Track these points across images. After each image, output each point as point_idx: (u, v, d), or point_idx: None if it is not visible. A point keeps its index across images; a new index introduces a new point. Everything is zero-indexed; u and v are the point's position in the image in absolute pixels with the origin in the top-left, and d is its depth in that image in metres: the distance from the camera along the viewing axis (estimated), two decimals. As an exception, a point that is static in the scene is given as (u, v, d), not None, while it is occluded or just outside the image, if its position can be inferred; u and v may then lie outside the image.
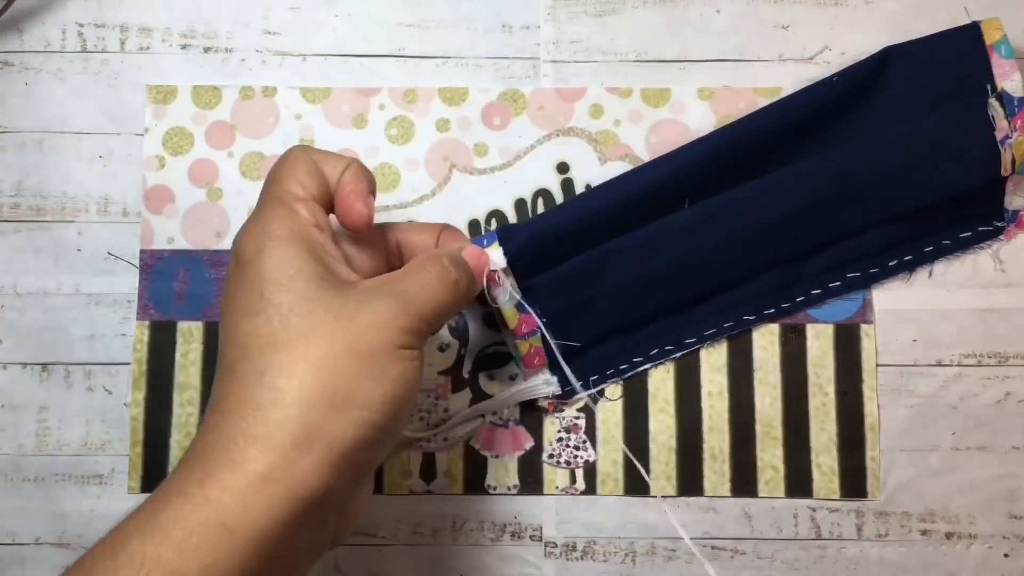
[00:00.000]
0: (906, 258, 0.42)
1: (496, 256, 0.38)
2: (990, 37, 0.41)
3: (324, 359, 0.30)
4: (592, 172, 0.43)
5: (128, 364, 0.42)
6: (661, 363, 0.42)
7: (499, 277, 0.38)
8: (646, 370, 0.42)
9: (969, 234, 0.42)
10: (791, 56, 0.44)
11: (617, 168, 0.43)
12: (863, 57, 0.43)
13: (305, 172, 0.33)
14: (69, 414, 0.42)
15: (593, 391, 0.42)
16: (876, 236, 0.41)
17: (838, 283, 0.42)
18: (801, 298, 0.42)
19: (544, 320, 0.40)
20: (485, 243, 0.39)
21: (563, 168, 0.43)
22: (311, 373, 0.29)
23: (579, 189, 0.43)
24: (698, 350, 0.42)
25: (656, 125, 0.43)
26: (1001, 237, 0.42)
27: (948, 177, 0.40)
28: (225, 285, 0.32)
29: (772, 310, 0.42)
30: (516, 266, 0.39)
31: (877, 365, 0.42)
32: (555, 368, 0.41)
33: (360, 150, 0.43)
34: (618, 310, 0.41)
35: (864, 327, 0.42)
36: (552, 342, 0.40)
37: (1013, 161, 0.40)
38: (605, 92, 0.44)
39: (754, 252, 0.41)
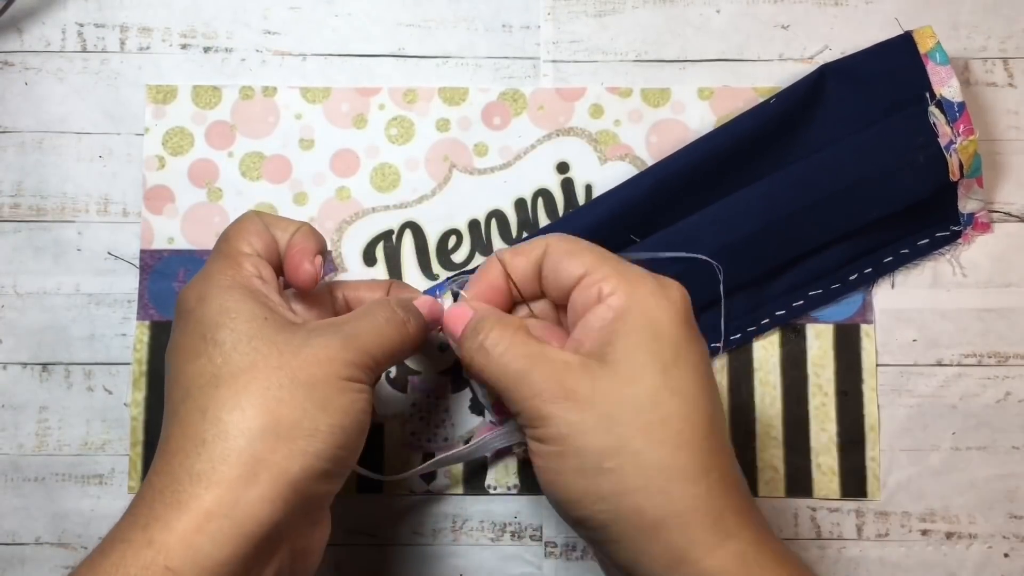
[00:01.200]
0: (866, 271, 0.42)
1: (451, 303, 0.38)
2: (923, 46, 0.41)
3: (267, 391, 0.30)
4: (592, 172, 0.43)
5: (128, 364, 0.42)
6: None
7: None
8: None
9: (927, 241, 0.42)
10: (791, 56, 0.44)
11: (617, 168, 0.43)
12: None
13: (254, 232, 0.34)
14: (69, 414, 0.42)
15: None
16: (835, 252, 0.42)
17: (801, 302, 0.42)
18: (766, 320, 0.42)
19: None
20: (438, 293, 0.39)
21: (563, 168, 0.43)
22: (255, 405, 0.29)
23: (579, 189, 0.43)
24: None
25: (656, 125, 0.43)
26: (959, 241, 0.42)
27: (898, 187, 0.40)
28: (170, 338, 0.32)
29: (739, 335, 0.42)
30: None
31: (877, 365, 0.42)
32: None
33: (360, 150, 0.43)
34: None
35: (864, 327, 0.42)
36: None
37: (961, 166, 0.40)
38: (605, 92, 0.44)
39: (713, 278, 0.40)
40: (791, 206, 0.40)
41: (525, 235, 0.43)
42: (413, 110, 0.44)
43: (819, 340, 0.42)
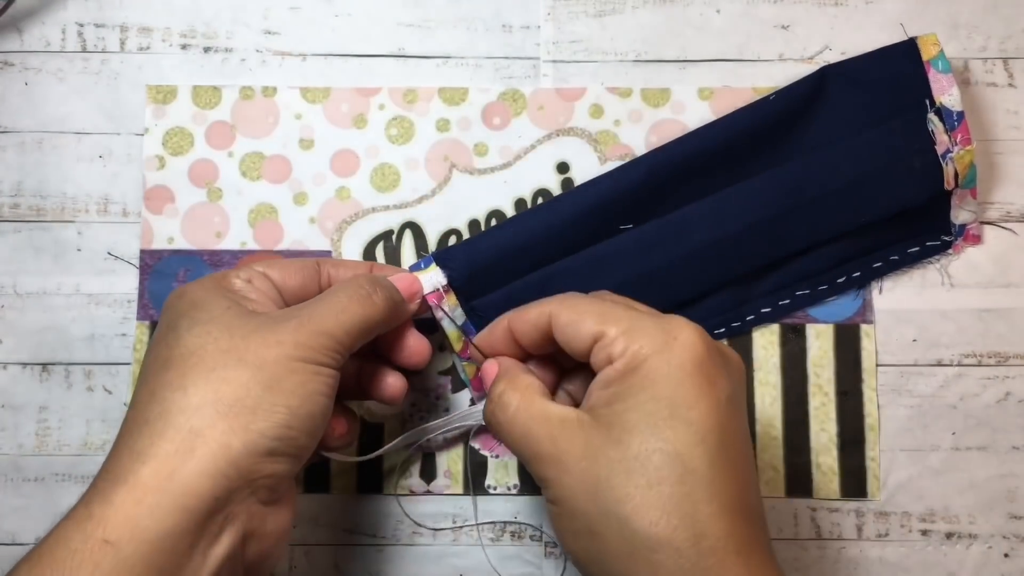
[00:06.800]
0: (855, 274, 0.42)
1: (436, 277, 0.39)
2: (927, 53, 0.41)
3: (212, 371, 0.30)
4: (592, 172, 0.43)
5: (128, 364, 0.42)
6: None
7: (439, 298, 0.39)
8: None
9: (917, 249, 0.42)
10: (791, 56, 0.44)
11: (617, 168, 0.43)
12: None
13: (280, 263, 0.36)
14: (69, 414, 0.42)
15: None
16: (824, 253, 0.41)
17: (787, 301, 0.42)
18: (751, 317, 0.42)
19: None
20: (423, 266, 0.39)
21: (563, 168, 0.43)
22: (197, 384, 0.30)
23: (579, 189, 0.43)
24: None
25: (656, 125, 0.43)
26: (950, 251, 0.42)
27: (892, 193, 0.40)
28: None
29: (723, 330, 0.42)
30: (457, 288, 0.39)
31: (877, 365, 0.42)
32: None
33: (360, 150, 0.43)
34: None
35: (864, 327, 0.42)
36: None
37: (956, 175, 0.40)
38: (605, 92, 0.44)
39: (703, 272, 0.40)
40: (783, 204, 0.40)
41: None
42: (413, 110, 0.44)
43: (819, 340, 0.42)
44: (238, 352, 0.30)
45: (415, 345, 0.37)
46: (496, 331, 0.36)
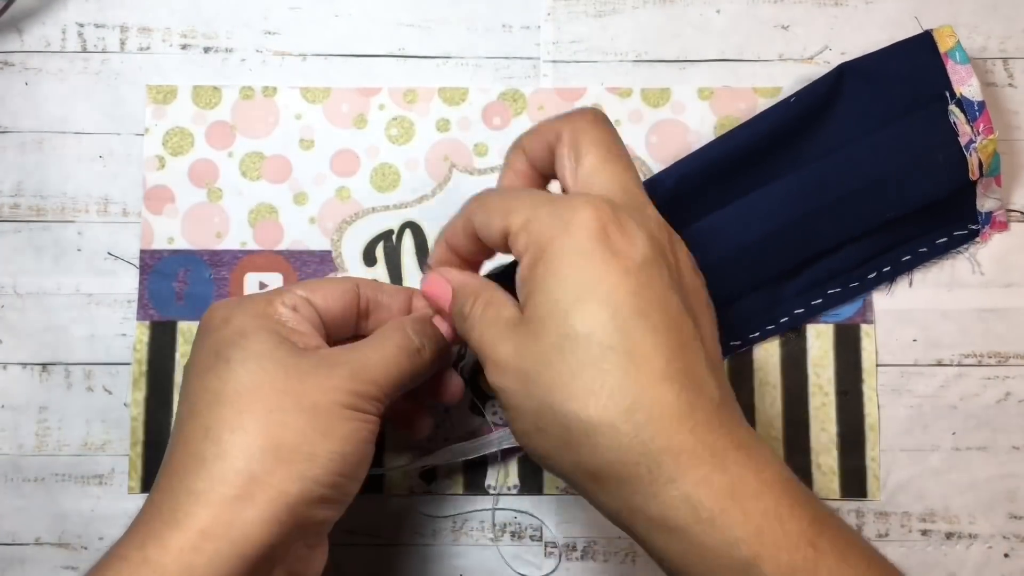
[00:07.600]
0: (885, 269, 0.42)
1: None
2: (943, 45, 0.41)
3: (270, 413, 0.29)
4: (592, 172, 0.43)
5: (128, 364, 0.42)
6: None
7: None
8: None
9: (945, 239, 0.42)
10: (791, 56, 0.44)
11: (617, 168, 0.43)
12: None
13: (320, 286, 0.35)
14: (69, 414, 0.42)
15: None
16: (853, 251, 0.41)
17: (819, 300, 0.42)
18: (785, 319, 0.42)
19: None
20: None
21: (563, 168, 0.43)
22: (256, 427, 0.29)
23: (579, 189, 0.43)
24: None
25: (656, 125, 0.43)
26: (977, 239, 0.42)
27: (917, 186, 0.40)
28: (190, 352, 0.33)
29: (757, 333, 0.42)
30: None
31: (877, 365, 0.42)
32: None
33: (360, 150, 0.43)
34: None
35: (864, 327, 0.42)
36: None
37: (980, 164, 0.40)
38: (605, 92, 0.44)
39: (733, 278, 0.40)
40: (809, 205, 0.40)
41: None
42: (413, 110, 0.44)
43: (819, 340, 0.42)
44: (295, 395, 0.30)
45: (452, 386, 0.37)
46: (439, 252, 0.35)
